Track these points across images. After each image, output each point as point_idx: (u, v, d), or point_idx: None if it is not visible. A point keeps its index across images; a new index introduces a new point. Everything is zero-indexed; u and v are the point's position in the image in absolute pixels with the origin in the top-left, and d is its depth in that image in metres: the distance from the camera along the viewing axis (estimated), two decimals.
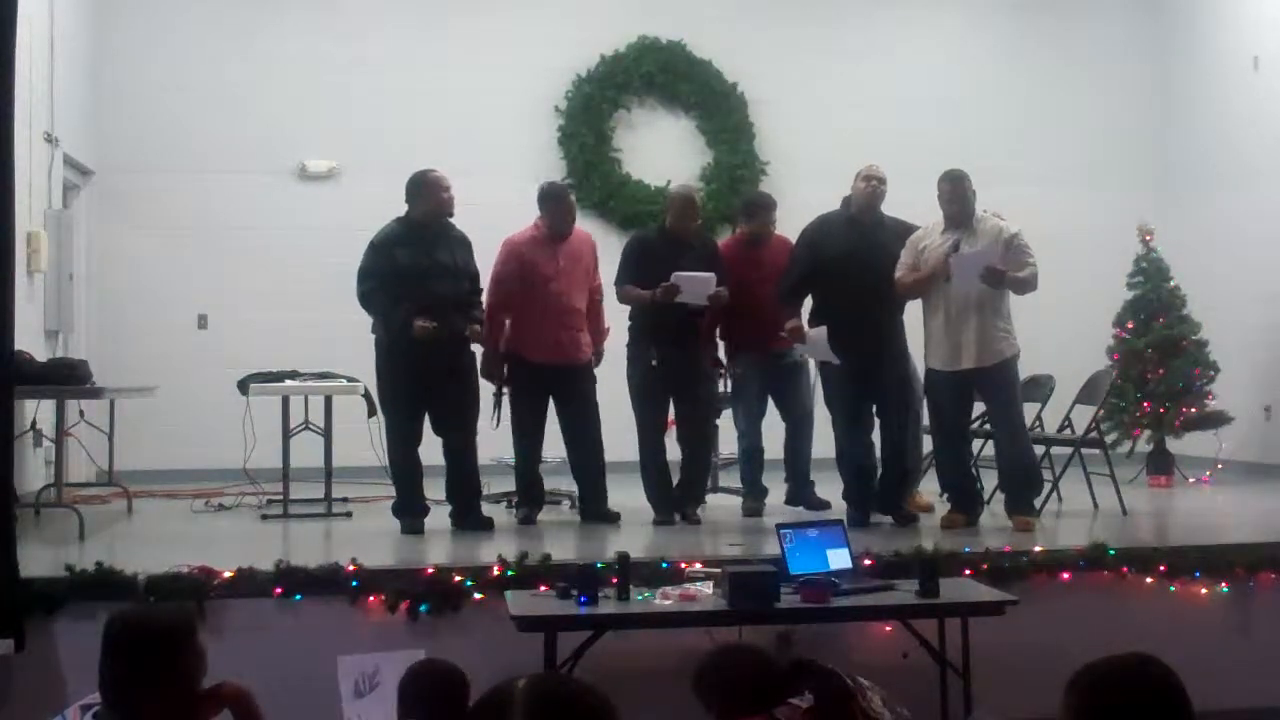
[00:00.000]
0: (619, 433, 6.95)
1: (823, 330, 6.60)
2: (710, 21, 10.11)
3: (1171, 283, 9.14)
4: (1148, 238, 9.23)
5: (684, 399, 6.93)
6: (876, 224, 6.77)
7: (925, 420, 7.51)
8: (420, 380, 6.48)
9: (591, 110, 9.98)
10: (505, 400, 6.94)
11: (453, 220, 6.70)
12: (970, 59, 10.47)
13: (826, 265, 6.66)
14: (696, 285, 6.62)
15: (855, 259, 6.61)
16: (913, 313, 6.81)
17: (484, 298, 6.81)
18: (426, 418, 6.63)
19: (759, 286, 6.87)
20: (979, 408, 6.94)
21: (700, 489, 7.05)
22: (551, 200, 6.94)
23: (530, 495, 6.93)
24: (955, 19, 10.55)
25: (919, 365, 6.88)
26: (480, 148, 9.21)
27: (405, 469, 6.59)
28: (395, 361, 6.51)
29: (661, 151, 10.05)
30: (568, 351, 6.79)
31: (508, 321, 6.86)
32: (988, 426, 7.16)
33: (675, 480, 6.98)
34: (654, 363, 6.76)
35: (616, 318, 7.09)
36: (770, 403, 7.24)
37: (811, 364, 7.12)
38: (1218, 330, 9.05)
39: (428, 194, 6.59)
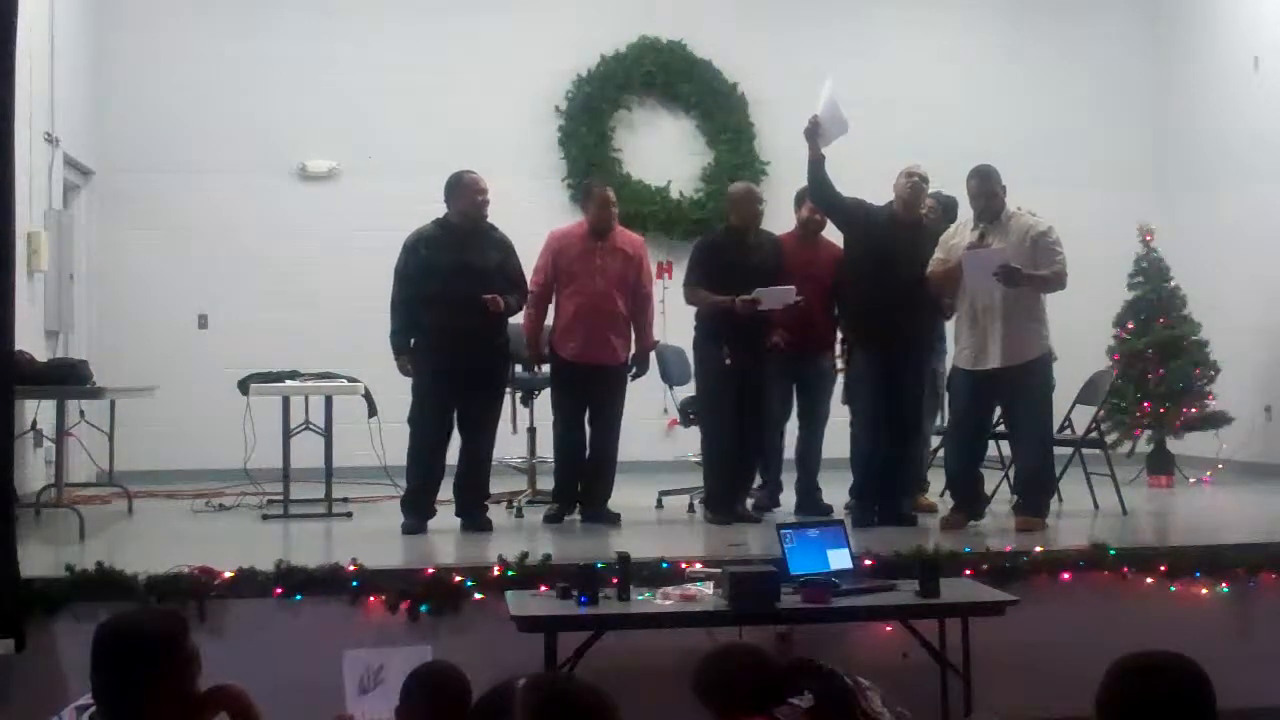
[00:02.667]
0: (623, 433, 6.98)
1: (832, 95, 6.62)
2: (710, 21, 10.11)
3: (1171, 283, 9.14)
4: (1148, 238, 9.23)
5: (744, 396, 6.86)
6: (915, 223, 6.78)
7: (936, 419, 7.55)
8: (451, 379, 6.49)
9: (592, 110, 9.98)
10: (516, 403, 6.96)
11: (494, 223, 6.71)
12: (970, 59, 10.47)
13: (860, 258, 6.69)
14: (777, 297, 6.63)
15: (890, 257, 6.61)
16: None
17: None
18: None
19: (803, 286, 6.79)
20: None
21: (745, 488, 6.99)
22: (584, 196, 7.06)
23: (565, 495, 6.92)
24: (955, 19, 10.55)
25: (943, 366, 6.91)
26: (480, 148, 9.18)
27: (424, 472, 6.57)
28: (429, 363, 6.52)
29: (661, 151, 10.06)
30: (595, 352, 6.79)
31: (550, 316, 6.92)
32: (999, 428, 7.15)
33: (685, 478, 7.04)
34: (727, 361, 6.75)
35: (677, 317, 7.06)
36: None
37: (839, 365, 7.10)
38: (1218, 330, 9.04)
39: (461, 195, 6.63)
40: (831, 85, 6.76)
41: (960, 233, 6.62)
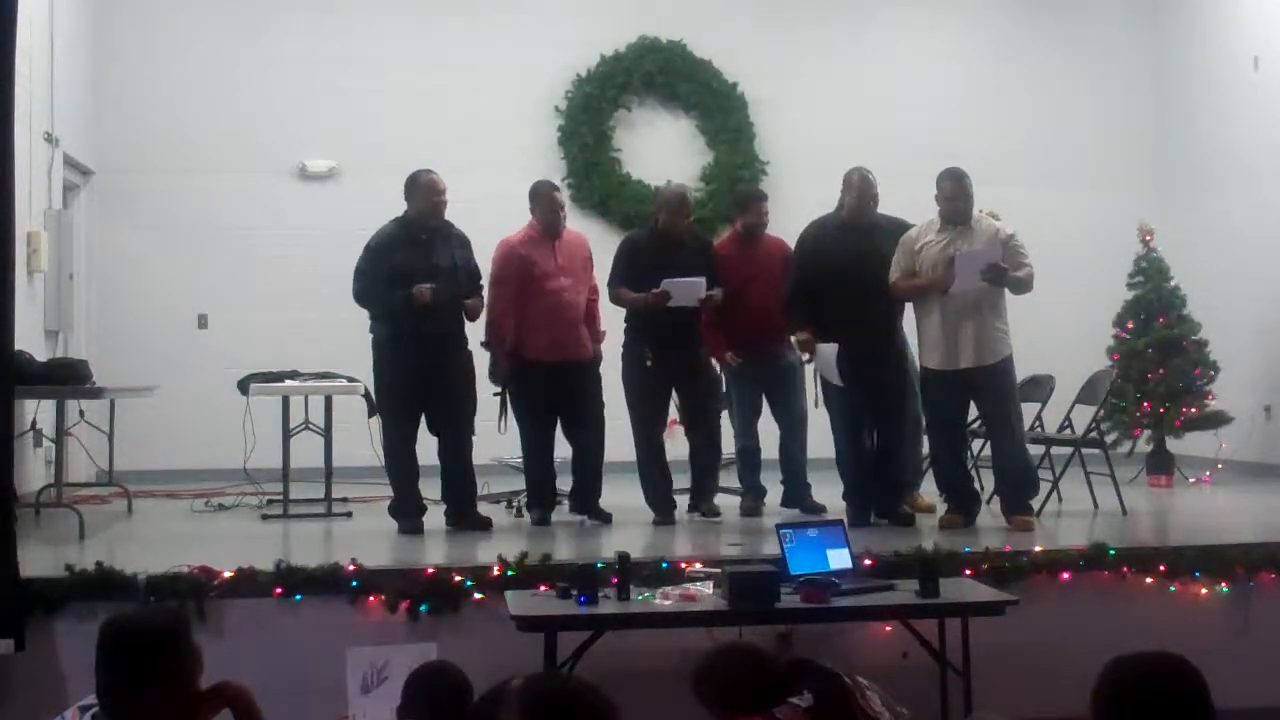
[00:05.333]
0: (617, 433, 6.97)
1: (833, 348, 6.57)
2: (710, 21, 10.11)
3: (1171, 283, 9.13)
4: (1148, 238, 9.23)
5: (685, 392, 6.95)
6: (871, 226, 6.76)
7: (923, 421, 7.53)
8: (417, 379, 6.49)
9: (591, 110, 9.98)
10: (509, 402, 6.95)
11: (451, 220, 6.71)
12: (970, 59, 10.46)
13: (823, 271, 6.66)
14: (687, 290, 6.66)
15: (851, 263, 6.60)
16: (909, 311, 6.82)
17: (486, 297, 6.81)
18: (423, 418, 6.64)
19: (752, 286, 6.85)
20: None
21: (711, 481, 7.03)
22: (535, 198, 6.95)
23: (541, 495, 6.92)
24: (955, 19, 10.55)
25: (915, 365, 6.88)
26: (480, 148, 9.21)
27: (401, 469, 6.59)
28: (392, 361, 6.52)
29: (661, 151, 10.05)
30: (569, 349, 6.79)
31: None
32: (984, 426, 7.16)
33: (681, 478, 7.03)
34: (648, 363, 6.77)
35: (613, 320, 7.10)
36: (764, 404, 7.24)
37: (808, 365, 7.10)
38: (1218, 330, 9.04)
39: (420, 196, 6.64)
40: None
41: (924, 235, 6.57)
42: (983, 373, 6.46)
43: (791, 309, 6.78)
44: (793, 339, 6.73)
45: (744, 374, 7.10)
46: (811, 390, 7.06)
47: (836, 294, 6.60)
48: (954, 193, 6.50)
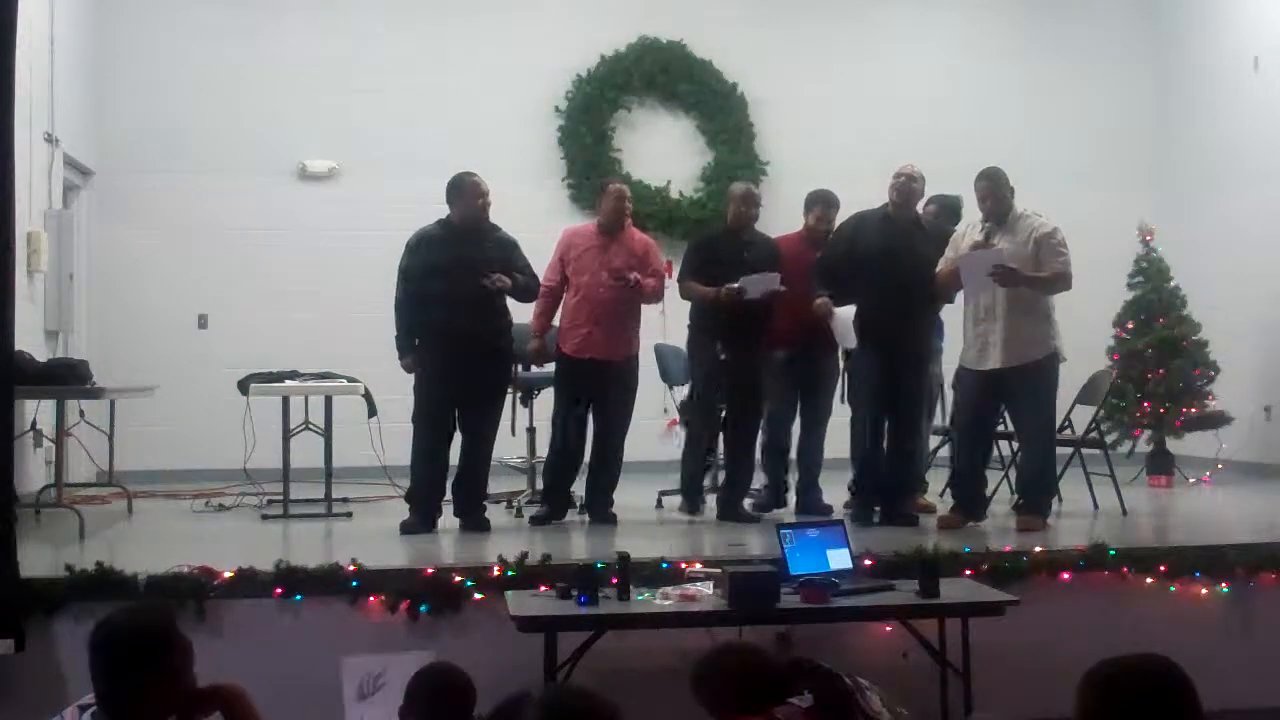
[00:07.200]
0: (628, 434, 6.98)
1: (850, 309, 6.59)
2: (710, 21, 10.11)
3: (1171, 283, 9.14)
4: (1148, 238, 9.23)
5: (739, 393, 6.90)
6: (912, 224, 6.78)
7: (934, 420, 7.55)
8: (453, 378, 6.49)
9: (591, 110, 9.98)
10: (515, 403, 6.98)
11: (497, 223, 6.72)
12: (970, 59, 10.47)
13: (860, 261, 6.68)
14: (760, 284, 6.65)
15: (888, 257, 6.62)
16: (954, 312, 6.88)
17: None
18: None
19: (807, 284, 6.82)
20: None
21: (744, 487, 6.99)
22: (599, 195, 7.10)
23: (553, 495, 6.88)
24: (955, 19, 10.55)
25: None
26: (480, 147, 9.17)
27: (428, 475, 6.55)
28: (430, 359, 6.52)
29: (661, 151, 10.05)
30: (597, 348, 6.77)
31: (558, 314, 6.91)
32: (1003, 428, 7.16)
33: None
34: (722, 357, 6.77)
35: (678, 316, 7.13)
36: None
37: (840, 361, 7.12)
38: (1218, 330, 9.05)
39: (462, 198, 6.64)
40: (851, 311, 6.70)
41: (969, 233, 6.63)
42: (1014, 373, 6.45)
43: (819, 282, 6.76)
44: (814, 305, 6.69)
45: (786, 371, 7.09)
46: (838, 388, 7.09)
47: (868, 286, 6.61)
48: (985, 193, 6.53)
